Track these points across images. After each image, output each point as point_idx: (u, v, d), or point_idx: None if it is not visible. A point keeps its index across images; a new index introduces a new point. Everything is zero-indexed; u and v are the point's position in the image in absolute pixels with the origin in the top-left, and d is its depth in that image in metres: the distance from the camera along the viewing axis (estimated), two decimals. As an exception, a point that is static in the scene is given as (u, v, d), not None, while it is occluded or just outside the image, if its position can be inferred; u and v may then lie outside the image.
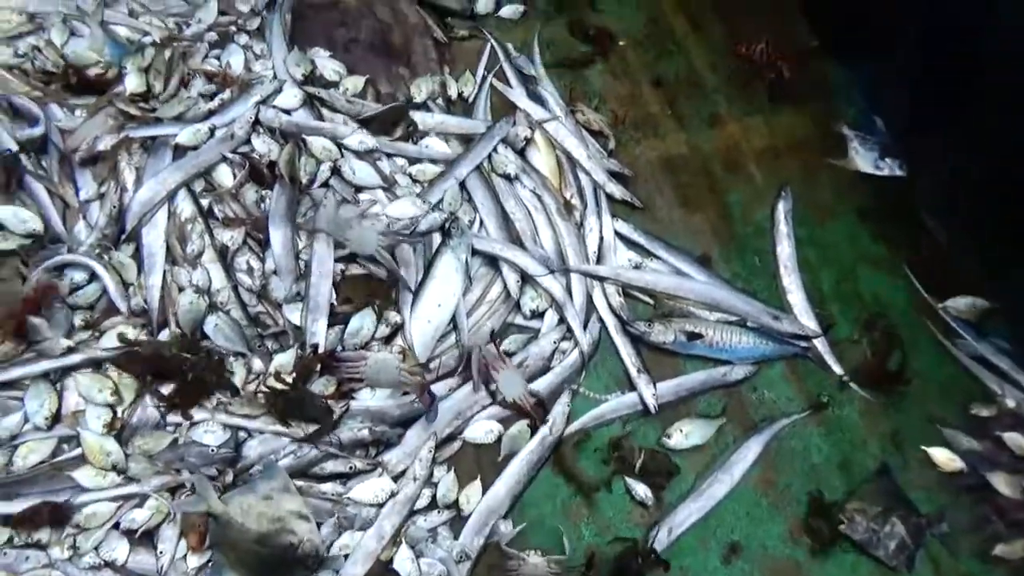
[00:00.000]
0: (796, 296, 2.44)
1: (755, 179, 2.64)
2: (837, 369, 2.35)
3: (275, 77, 2.40)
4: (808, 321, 2.40)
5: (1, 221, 2.03)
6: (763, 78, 2.77)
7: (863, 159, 2.68)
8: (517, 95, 2.61)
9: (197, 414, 1.90)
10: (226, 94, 2.34)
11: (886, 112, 2.76)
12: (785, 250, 2.51)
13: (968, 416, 2.31)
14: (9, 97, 2.21)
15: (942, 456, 2.24)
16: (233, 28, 2.48)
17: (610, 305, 2.31)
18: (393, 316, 2.15)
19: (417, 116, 2.44)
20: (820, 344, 2.37)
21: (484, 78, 2.62)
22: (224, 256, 2.09)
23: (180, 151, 2.22)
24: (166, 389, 1.89)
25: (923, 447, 2.24)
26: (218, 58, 2.42)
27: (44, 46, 2.30)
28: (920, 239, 2.58)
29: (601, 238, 2.41)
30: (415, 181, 2.38)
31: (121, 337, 1.92)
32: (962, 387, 2.36)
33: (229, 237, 2.11)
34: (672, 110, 2.73)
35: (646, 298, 2.36)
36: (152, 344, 1.93)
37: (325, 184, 2.28)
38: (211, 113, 2.29)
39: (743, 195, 2.61)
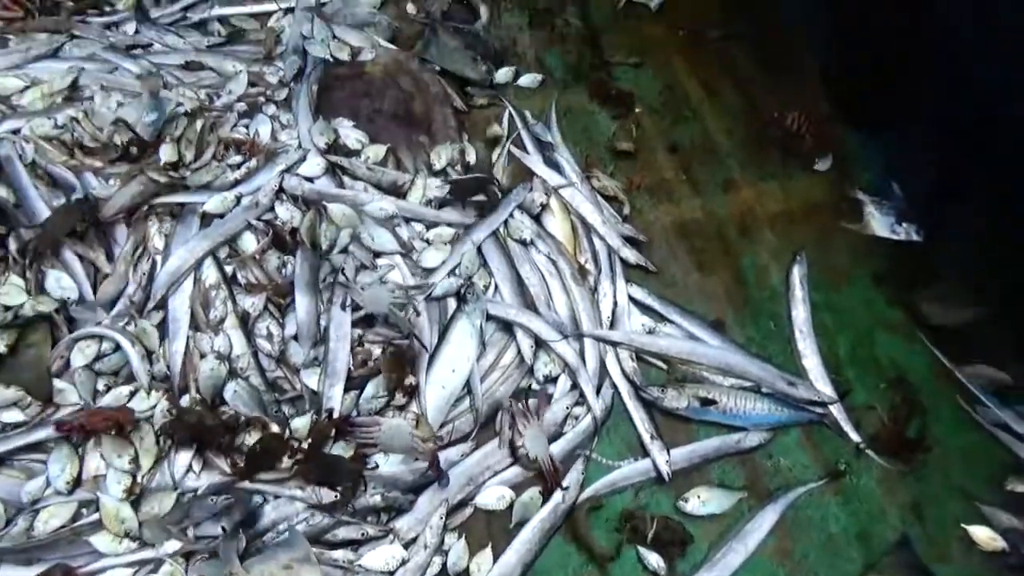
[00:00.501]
0: (812, 361, 2.43)
1: (770, 244, 2.66)
2: (854, 436, 2.32)
3: (300, 146, 2.49)
4: (824, 387, 2.38)
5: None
6: (788, 145, 2.82)
7: (879, 224, 2.69)
8: (534, 161, 2.67)
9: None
10: (252, 163, 2.43)
11: (903, 177, 2.78)
12: (800, 315, 2.51)
13: (1003, 491, 2.24)
14: (48, 167, 2.32)
15: (983, 535, 2.16)
16: (262, 99, 2.59)
17: (623, 370, 2.32)
18: (408, 379, 2.18)
19: (434, 183, 2.51)
20: (837, 410, 2.35)
21: (502, 145, 2.70)
22: (245, 322, 2.15)
23: (207, 218, 2.31)
24: (187, 455, 1.93)
25: (963, 525, 2.17)
26: (246, 127, 2.52)
27: (82, 118, 2.42)
28: (938, 304, 2.58)
29: (615, 303, 2.43)
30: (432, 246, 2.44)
31: (169, 408, 1.98)
32: (986, 455, 2.31)
33: (251, 303, 2.17)
34: (687, 175, 2.77)
35: (660, 363, 2.37)
36: (194, 412, 1.97)
37: (344, 250, 2.35)
38: (238, 182, 2.37)
39: (758, 259, 2.63)
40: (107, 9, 2.73)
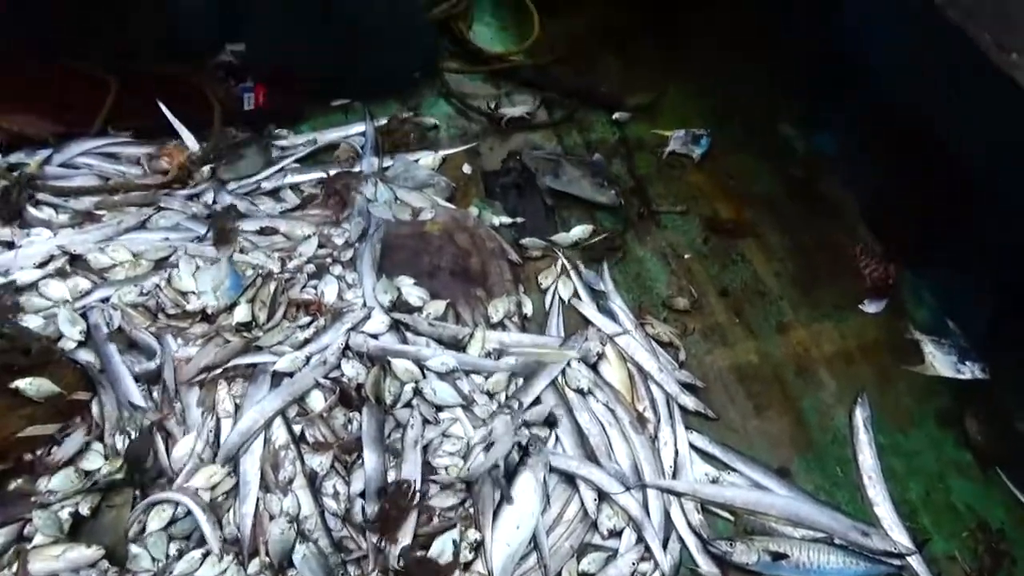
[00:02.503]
0: (884, 508, 2.37)
1: (829, 385, 2.65)
2: (938, 589, 2.22)
3: (364, 304, 2.61)
4: (900, 536, 2.31)
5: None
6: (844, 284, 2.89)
7: (942, 364, 2.68)
8: (589, 309, 2.75)
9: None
10: (320, 322, 2.55)
11: (960, 315, 2.78)
12: (868, 459, 2.46)
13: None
14: (131, 332, 2.47)
15: None
16: (329, 260, 2.75)
17: (689, 523, 2.28)
18: (473, 534, 2.18)
19: (494, 335, 2.59)
20: (916, 561, 2.26)
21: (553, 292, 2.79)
22: (313, 482, 2.19)
23: (277, 378, 2.41)
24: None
25: None
26: (315, 288, 2.66)
27: (164, 285, 2.59)
28: (1010, 443, 2.51)
29: (676, 451, 2.42)
30: (492, 396, 2.49)
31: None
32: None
33: (318, 462, 2.22)
34: (739, 318, 2.81)
35: (726, 514, 2.32)
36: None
37: (408, 404, 2.41)
38: (307, 341, 2.49)
39: (818, 402, 2.61)
40: (189, 182, 2.96)
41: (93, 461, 2.20)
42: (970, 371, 2.66)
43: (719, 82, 3.60)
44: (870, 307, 2.85)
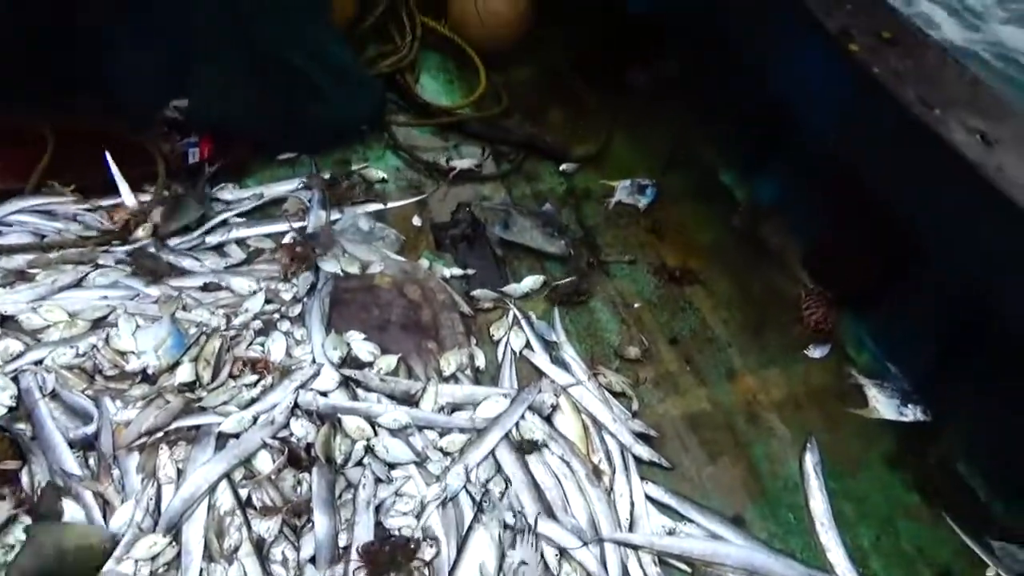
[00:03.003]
0: (836, 555, 2.38)
1: (779, 431, 2.68)
2: (892, 634, 2.24)
3: (313, 361, 2.56)
4: (853, 582, 2.33)
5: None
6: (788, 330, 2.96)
7: (884, 407, 2.74)
8: (542, 360, 2.74)
9: None
10: (267, 380, 2.48)
11: (900, 358, 2.86)
12: (819, 505, 2.48)
13: None
14: (65, 396, 2.37)
15: None
16: (277, 316, 2.69)
17: (647, 576, 2.27)
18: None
19: (446, 389, 2.56)
20: (869, 607, 2.29)
21: (508, 347, 2.78)
22: (260, 549, 2.11)
23: (222, 439, 2.32)
24: None
25: None
26: (262, 345, 2.60)
27: (102, 345, 2.50)
28: (954, 485, 2.58)
29: (632, 503, 2.41)
30: (446, 454, 2.44)
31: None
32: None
33: (266, 528, 2.14)
34: (690, 366, 2.84)
35: (683, 566, 2.31)
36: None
37: (359, 463, 2.35)
38: (253, 400, 2.42)
39: (769, 448, 2.64)
40: (129, 238, 2.88)
41: (18, 533, 2.08)
42: (912, 414, 2.73)
43: (663, 132, 3.70)
44: (815, 352, 2.91)
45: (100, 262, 2.79)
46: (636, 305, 3.01)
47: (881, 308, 2.97)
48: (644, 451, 2.54)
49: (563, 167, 3.54)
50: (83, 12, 2.82)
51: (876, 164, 2.76)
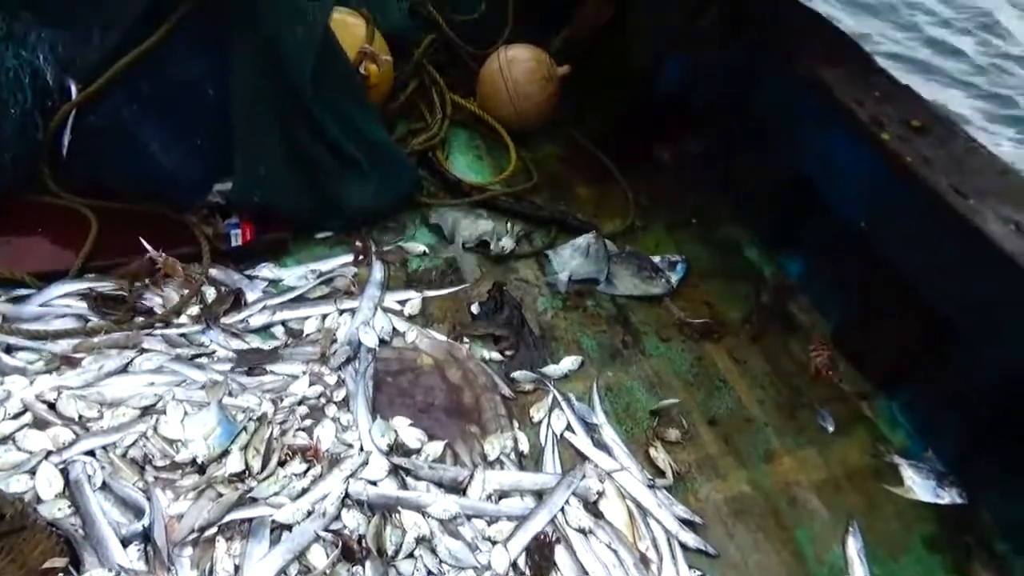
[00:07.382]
0: (886, 643, 2.40)
1: (820, 514, 2.70)
2: None
3: (361, 449, 2.58)
4: (904, 672, 2.33)
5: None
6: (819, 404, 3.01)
7: (920, 488, 2.77)
8: (584, 443, 2.76)
9: None
10: (317, 469, 2.49)
11: (934, 437, 2.90)
12: (865, 592, 2.51)
13: None
14: (116, 488, 2.37)
15: None
16: (323, 400, 2.71)
17: (701, 670, 2.27)
18: None
19: (493, 476, 2.58)
20: None
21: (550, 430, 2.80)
22: (320, 647, 2.11)
23: (275, 531, 2.33)
24: None
25: None
26: (309, 432, 2.61)
27: (151, 434, 2.51)
28: (995, 567, 2.60)
29: (682, 593, 2.42)
30: (493, 543, 2.45)
31: None
32: None
33: (323, 627, 2.14)
34: (729, 447, 2.87)
35: (736, 658, 2.32)
36: None
37: (410, 555, 2.36)
38: (304, 491, 2.42)
39: (812, 532, 2.65)
40: (173, 321, 2.91)
41: (70, 639, 2.07)
42: (949, 496, 2.76)
43: (689, 207, 3.79)
44: (828, 424, 2.95)
45: (144, 346, 2.80)
46: (673, 384, 3.04)
47: (914, 387, 3.01)
48: (690, 538, 2.55)
49: (593, 243, 3.60)
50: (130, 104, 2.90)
51: (907, 250, 2.83)
